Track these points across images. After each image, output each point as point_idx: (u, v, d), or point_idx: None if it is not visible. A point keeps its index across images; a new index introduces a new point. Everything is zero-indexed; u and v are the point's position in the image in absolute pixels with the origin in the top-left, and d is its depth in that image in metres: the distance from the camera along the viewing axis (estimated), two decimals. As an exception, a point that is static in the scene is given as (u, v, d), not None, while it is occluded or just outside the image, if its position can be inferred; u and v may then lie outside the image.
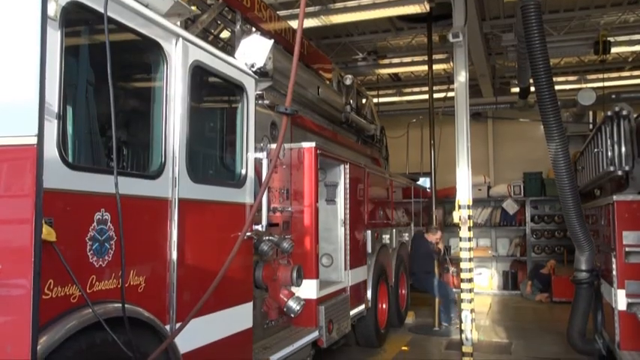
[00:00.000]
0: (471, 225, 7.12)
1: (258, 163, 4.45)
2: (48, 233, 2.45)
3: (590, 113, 13.10)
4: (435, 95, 10.50)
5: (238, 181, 4.26)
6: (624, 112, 6.05)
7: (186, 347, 3.45)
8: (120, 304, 2.80)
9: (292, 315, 5.35)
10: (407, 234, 9.93)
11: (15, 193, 1.98)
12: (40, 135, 1.87)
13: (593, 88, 12.11)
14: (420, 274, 9.64)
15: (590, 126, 12.57)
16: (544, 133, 6.13)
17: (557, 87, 6.04)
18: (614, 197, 5.89)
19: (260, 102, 5.21)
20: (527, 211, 14.09)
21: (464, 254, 7.13)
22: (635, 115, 6.26)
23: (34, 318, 1.86)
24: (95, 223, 2.83)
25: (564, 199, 6.20)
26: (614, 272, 5.82)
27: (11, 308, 1.90)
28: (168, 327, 3.32)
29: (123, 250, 2.87)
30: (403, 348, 8.16)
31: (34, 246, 1.88)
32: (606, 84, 12.63)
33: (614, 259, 5.83)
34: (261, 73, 4.97)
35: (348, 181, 6.80)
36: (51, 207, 2.50)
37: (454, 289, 13.23)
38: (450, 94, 8.83)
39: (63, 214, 2.62)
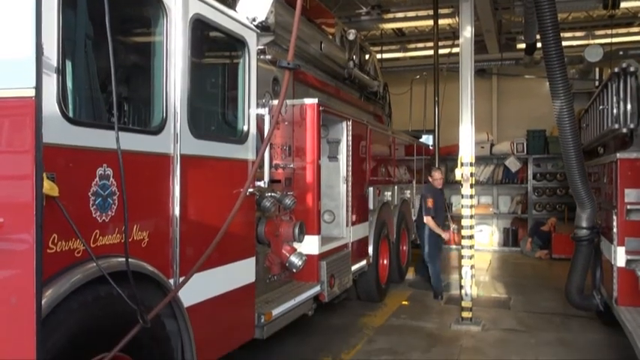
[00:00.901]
0: (473, 182, 7.12)
1: (260, 119, 4.42)
2: (50, 188, 2.45)
3: (597, 70, 12.92)
4: (440, 51, 10.31)
5: (240, 138, 4.25)
6: (632, 69, 5.97)
7: (189, 301, 3.50)
8: (124, 259, 2.83)
9: (294, 270, 5.42)
10: (408, 191, 9.96)
11: (15, 146, 1.98)
12: (39, 87, 1.85)
13: (601, 45, 11.90)
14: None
15: (596, 83, 12.42)
16: (549, 90, 6.06)
17: (564, 43, 5.93)
18: (618, 155, 5.88)
19: (262, 57, 5.15)
20: (530, 169, 14.08)
21: (465, 211, 7.16)
22: (642, 72, 6.18)
23: (37, 271, 1.88)
24: (97, 179, 2.84)
25: (567, 156, 6.17)
26: (615, 229, 5.87)
27: (15, 262, 1.92)
28: (172, 281, 3.37)
29: (125, 205, 2.88)
30: (403, 302, 8.30)
31: (35, 200, 1.88)
32: (614, 40, 12.41)
33: (615, 217, 5.87)
34: (263, 28, 4.89)
35: (350, 138, 6.78)
36: (53, 162, 2.50)
37: (454, 246, 13.45)
38: (455, 49, 8.69)
39: (65, 170, 2.62)
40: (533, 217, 13.95)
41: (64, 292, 2.55)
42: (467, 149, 7.05)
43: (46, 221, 2.18)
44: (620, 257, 5.81)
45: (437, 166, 10.52)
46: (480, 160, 12.19)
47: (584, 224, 6.55)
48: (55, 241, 2.58)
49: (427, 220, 8.52)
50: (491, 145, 14.48)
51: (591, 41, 12.81)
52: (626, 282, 5.73)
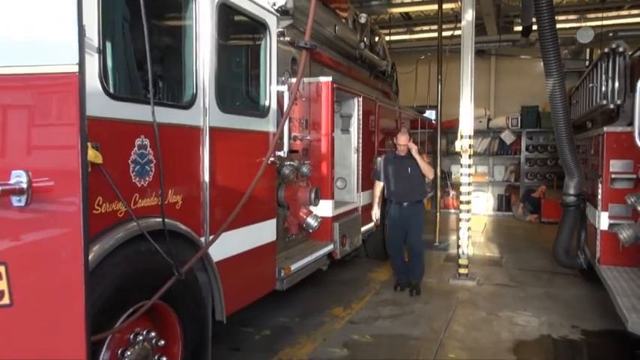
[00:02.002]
0: (471, 153, 7.06)
1: (280, 95, 4.38)
2: (95, 156, 2.47)
3: (588, 51, 12.57)
4: (443, 33, 10.09)
5: (262, 112, 4.22)
6: (620, 49, 5.81)
7: (218, 256, 3.55)
8: (160, 219, 2.86)
9: (310, 230, 5.46)
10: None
11: (63, 119, 1.98)
12: (81, 64, 1.84)
13: (592, 27, 11.55)
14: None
15: (587, 63, 12.12)
16: (543, 69, 5.93)
17: (557, 25, 5.76)
18: (605, 128, 5.77)
19: (281, 39, 5.06)
20: (523, 142, 13.94)
21: (464, 179, 7.11)
22: (630, 53, 6.01)
23: (84, 229, 1.90)
24: (136, 148, 2.85)
25: (558, 129, 6.07)
26: (600, 196, 5.80)
27: (65, 221, 1.94)
28: (202, 239, 3.40)
29: (161, 171, 2.89)
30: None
31: (81, 167, 1.89)
32: (605, 22, 12.03)
33: (600, 185, 5.80)
34: (283, 12, 4.81)
35: (361, 112, 6.73)
36: (97, 133, 2.52)
37: (452, 210, 13.41)
38: (457, 32, 8.47)
39: (108, 140, 2.63)
40: (525, 185, 13.86)
41: (108, 248, 2.59)
42: (466, 123, 6.96)
43: (92, 186, 2.19)
44: (603, 221, 5.76)
45: (439, 137, 10.31)
46: (477, 133, 12.03)
47: (571, 192, 6.48)
48: (100, 203, 2.61)
49: (376, 184, 6.71)
50: (489, 120, 14.32)
51: (583, 24, 12.43)
52: (608, 244, 5.70)
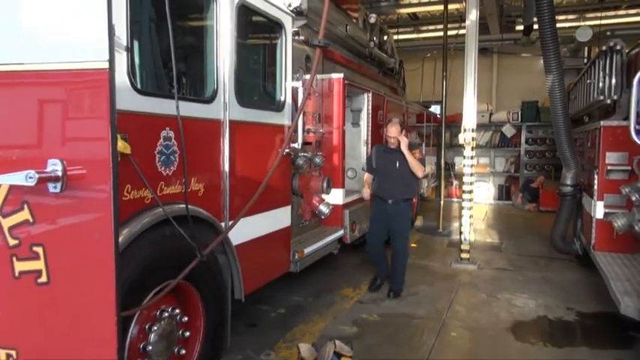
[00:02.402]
0: (474, 146, 6.99)
1: (294, 91, 4.36)
2: (124, 147, 2.49)
3: (586, 49, 12.36)
4: (449, 32, 9.96)
5: (278, 106, 4.21)
6: (617, 47, 5.70)
7: (237, 240, 3.57)
8: (184, 205, 2.88)
9: (322, 217, 5.46)
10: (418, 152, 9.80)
11: (94, 112, 1.99)
12: (111, 60, 1.84)
13: (591, 26, 11.32)
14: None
15: (585, 60, 11.91)
16: (543, 66, 5.83)
17: (557, 24, 5.66)
18: (602, 122, 5.69)
19: (296, 38, 5.04)
20: (523, 135, 13.75)
21: (466, 170, 7.06)
22: (626, 50, 5.90)
23: (114, 214, 1.92)
24: (162, 140, 2.86)
25: (557, 123, 5.99)
26: (596, 187, 5.73)
27: (97, 206, 1.97)
28: (223, 224, 3.42)
29: (185, 161, 2.91)
30: (412, 245, 8.31)
31: (111, 157, 1.90)
32: (603, 22, 11.78)
33: (596, 176, 5.72)
34: (297, 12, 4.78)
35: (370, 107, 6.68)
36: (125, 126, 2.53)
37: (455, 199, 13.32)
38: (462, 31, 8.36)
39: (135, 132, 2.65)
40: (524, 176, 13.70)
41: (136, 232, 2.62)
42: (469, 118, 6.89)
43: (121, 174, 2.21)
44: (599, 210, 5.69)
45: (443, 131, 10.21)
46: (480, 126, 11.89)
47: (568, 182, 6.41)
48: (129, 190, 2.63)
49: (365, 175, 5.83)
50: (491, 114, 14.14)
51: (582, 23, 12.18)
52: (603, 231, 5.63)
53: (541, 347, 4.39)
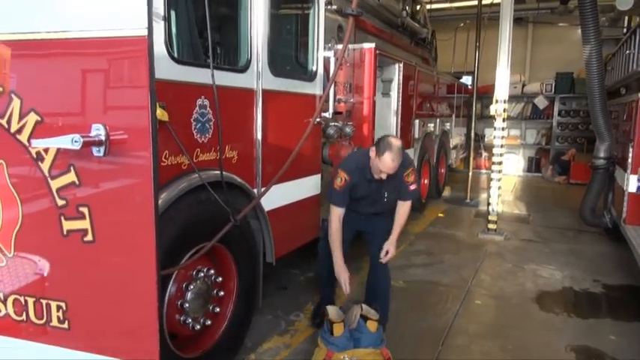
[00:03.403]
0: (505, 117, 6.80)
1: (326, 60, 4.30)
2: (162, 114, 2.52)
3: (626, 18, 11.65)
4: (483, 2, 9.56)
5: (310, 76, 4.17)
6: (660, 16, 5.35)
7: (269, 206, 3.61)
8: (219, 172, 2.92)
9: (351, 186, 5.42)
10: (448, 124, 9.61)
11: (134, 81, 2.02)
12: (150, 28, 1.86)
13: (633, -6, 10.65)
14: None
15: (625, 30, 11.26)
16: (581, 36, 5.55)
17: (597, -8, 5.35)
18: (639, 94, 5.42)
19: (328, 7, 4.93)
20: (556, 107, 13.24)
21: (497, 142, 6.89)
22: (670, 19, 5.54)
23: (154, 179, 1.96)
24: (197, 108, 2.88)
25: (592, 95, 5.74)
26: (630, 160, 5.52)
27: (138, 171, 2.02)
28: (255, 190, 3.47)
29: (220, 129, 2.94)
30: (439, 214, 8.26)
31: (150, 124, 1.94)
32: (646, -10, 11.06)
33: (631, 149, 5.50)
34: (330, -19, 4.66)
35: (401, 77, 6.54)
36: (163, 94, 2.55)
37: (484, 171, 13.05)
38: (496, 0, 8.01)
39: (173, 100, 2.67)
40: (555, 148, 13.27)
41: (174, 196, 2.68)
42: (502, 89, 6.68)
43: (160, 141, 2.25)
44: (632, 184, 5.49)
45: (474, 102, 9.91)
46: (512, 98, 11.49)
47: (601, 155, 6.18)
48: (167, 156, 2.68)
49: (331, 209, 3.62)
50: (523, 85, 13.64)
51: (623, -9, 11.48)
52: (635, 205, 5.46)
53: (565, 317, 4.34)
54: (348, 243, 3.88)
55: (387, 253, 3.70)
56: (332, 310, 3.34)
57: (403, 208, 3.75)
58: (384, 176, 3.48)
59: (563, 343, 3.83)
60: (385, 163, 3.36)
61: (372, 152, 3.45)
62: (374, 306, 3.40)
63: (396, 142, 3.38)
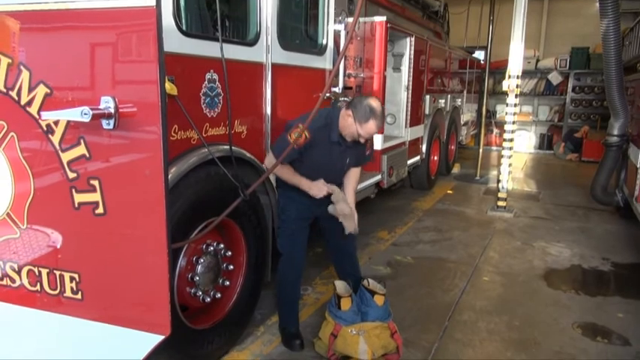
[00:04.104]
0: (518, 93, 6.68)
1: (336, 34, 4.23)
2: (171, 88, 2.50)
3: (646, -10, 11.29)
4: (498, -27, 9.31)
5: (320, 50, 4.11)
6: (683, -12, 5.16)
7: (278, 181, 3.60)
8: (228, 146, 2.91)
9: (361, 161, 5.39)
10: (459, 100, 9.48)
11: (142, 55, 2.00)
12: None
13: (654, -35, 10.30)
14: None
15: (644, 3, 10.91)
16: (598, 10, 5.39)
17: (618, -37, 5.16)
18: (657, 70, 5.27)
19: (339, -21, 4.82)
20: (570, 82, 12.96)
21: (508, 118, 6.80)
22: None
23: (164, 153, 1.97)
24: (206, 82, 2.86)
25: (608, 70, 5.60)
26: (644, 137, 5.42)
27: (148, 145, 2.02)
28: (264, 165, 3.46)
29: (229, 103, 2.92)
30: (448, 191, 8.24)
31: (160, 98, 1.93)
32: (668, -39, 10.68)
33: (646, 126, 5.39)
34: (341, -48, 4.54)
35: (412, 52, 6.43)
36: (172, 67, 2.53)
37: (494, 147, 12.91)
38: (512, -28, 7.78)
39: (181, 74, 2.65)
40: (568, 125, 13.06)
41: (184, 170, 2.69)
42: (515, 64, 6.55)
43: (169, 115, 2.24)
44: (645, 161, 5.41)
45: (487, 78, 9.74)
46: (525, 73, 11.30)
47: (615, 132, 6.07)
48: (176, 130, 2.68)
49: (267, 161, 3.25)
50: (537, 61, 13.33)
51: (645, -38, 11.09)
52: (648, 183, 5.37)
53: (573, 295, 4.35)
54: (305, 247, 3.39)
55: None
56: (340, 285, 3.37)
57: (355, 172, 3.41)
58: (356, 138, 3.10)
59: (570, 320, 3.85)
60: (369, 130, 3.02)
61: (348, 115, 3.04)
62: (381, 282, 3.42)
63: (378, 106, 3.02)
